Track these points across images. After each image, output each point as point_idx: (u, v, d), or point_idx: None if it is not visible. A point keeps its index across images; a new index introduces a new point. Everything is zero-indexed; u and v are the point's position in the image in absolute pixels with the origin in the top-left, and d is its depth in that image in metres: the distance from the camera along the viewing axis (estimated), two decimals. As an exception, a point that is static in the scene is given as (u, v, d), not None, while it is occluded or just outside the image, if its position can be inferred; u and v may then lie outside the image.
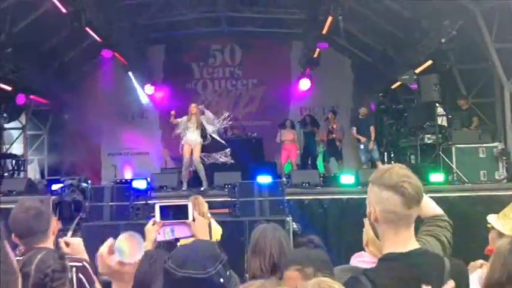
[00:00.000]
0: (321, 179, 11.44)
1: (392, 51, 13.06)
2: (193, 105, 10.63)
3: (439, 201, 2.21)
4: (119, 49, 12.61)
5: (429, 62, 11.24)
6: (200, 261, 1.59)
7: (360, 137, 11.71)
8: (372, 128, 11.60)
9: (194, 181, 11.02)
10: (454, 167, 10.09)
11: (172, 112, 10.54)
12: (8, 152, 13.32)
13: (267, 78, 16.48)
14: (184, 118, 10.41)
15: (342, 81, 15.72)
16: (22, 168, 13.19)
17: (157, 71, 16.27)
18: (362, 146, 11.72)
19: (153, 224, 2.23)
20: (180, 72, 16.59)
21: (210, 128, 10.43)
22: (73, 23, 10.49)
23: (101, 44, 11.98)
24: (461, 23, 9.90)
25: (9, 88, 12.00)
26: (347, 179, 10.41)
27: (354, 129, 11.99)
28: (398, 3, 11.15)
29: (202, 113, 10.53)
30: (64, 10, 10.02)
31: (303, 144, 13.95)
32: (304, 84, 15.06)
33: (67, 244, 2.47)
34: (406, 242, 1.82)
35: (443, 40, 10.15)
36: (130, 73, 14.19)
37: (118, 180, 12.96)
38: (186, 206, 2.26)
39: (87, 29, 10.81)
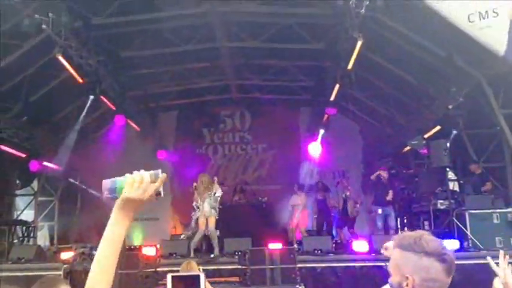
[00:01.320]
0: (334, 245, 11.25)
1: (401, 117, 13.21)
2: (207, 176, 10.84)
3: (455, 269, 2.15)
4: (131, 116, 12.90)
5: (438, 127, 11.32)
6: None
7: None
8: (390, 192, 11.52)
9: (204, 247, 10.91)
10: (468, 233, 9.90)
11: (195, 184, 10.64)
12: (19, 218, 13.31)
13: (277, 142, 16.65)
14: (201, 189, 10.47)
15: (351, 145, 15.80)
16: (32, 235, 13.13)
17: (169, 137, 16.51)
18: (380, 211, 11.58)
19: None
20: (191, 138, 16.84)
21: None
22: (89, 92, 10.86)
23: (114, 111, 12.27)
24: (467, 90, 10.05)
25: (23, 155, 12.19)
26: (360, 245, 10.21)
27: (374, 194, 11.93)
28: (405, 70, 11.40)
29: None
30: (80, 80, 10.36)
31: (315, 210, 13.82)
32: (314, 148, 15.16)
33: None
34: None
35: (450, 106, 10.28)
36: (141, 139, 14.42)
37: (127, 247, 12.81)
38: (198, 277, 2.23)
39: (102, 97, 11.13)
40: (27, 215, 13.85)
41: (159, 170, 1.71)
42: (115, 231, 1.67)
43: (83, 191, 14.88)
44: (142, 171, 1.68)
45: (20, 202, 13.83)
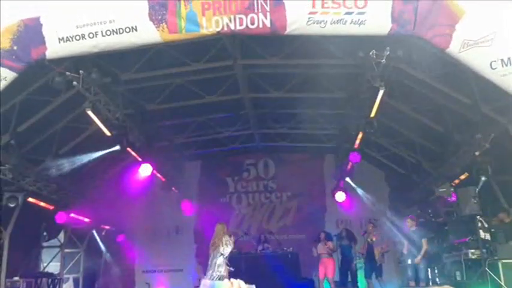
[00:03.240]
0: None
1: (427, 164, 13.04)
2: (220, 226, 10.05)
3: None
4: (156, 166, 13.06)
5: (466, 174, 11.12)
6: None
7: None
8: (424, 241, 11.24)
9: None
10: (502, 283, 9.51)
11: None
12: (45, 270, 13.36)
13: (301, 191, 16.58)
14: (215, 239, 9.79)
15: (377, 193, 15.60)
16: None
17: (193, 186, 16.62)
18: (410, 261, 11.29)
19: None
20: (215, 187, 16.92)
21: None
22: (115, 144, 11.09)
23: (139, 162, 12.45)
24: (494, 136, 9.92)
25: (51, 207, 12.38)
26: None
27: (405, 243, 11.64)
28: (429, 118, 11.36)
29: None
30: (108, 133, 10.60)
31: (340, 259, 13.54)
32: (340, 196, 15.03)
33: None
34: None
35: (477, 153, 10.13)
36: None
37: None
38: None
39: (129, 149, 11.34)
40: (54, 267, 13.91)
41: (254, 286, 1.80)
42: None
43: (108, 243, 14.96)
44: (240, 281, 1.79)
45: (46, 254, 13.92)
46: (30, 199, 11.41)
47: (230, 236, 9.81)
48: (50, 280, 13.03)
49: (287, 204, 16.84)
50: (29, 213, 11.58)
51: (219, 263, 9.18)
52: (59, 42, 8.19)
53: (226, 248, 9.45)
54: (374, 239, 12.84)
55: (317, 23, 8.00)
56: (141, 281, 15.41)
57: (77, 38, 8.13)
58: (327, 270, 12.86)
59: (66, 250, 14.48)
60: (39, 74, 9.14)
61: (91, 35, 8.11)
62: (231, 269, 9.34)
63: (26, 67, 8.42)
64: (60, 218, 12.57)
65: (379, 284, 12.66)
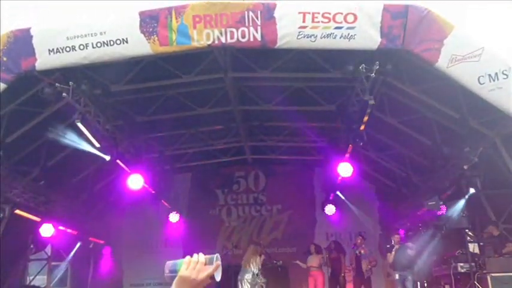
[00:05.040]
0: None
1: (416, 177, 13.11)
2: (250, 248, 12.49)
3: None
4: (146, 178, 12.98)
5: (454, 188, 11.19)
6: None
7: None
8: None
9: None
10: (492, 297, 9.54)
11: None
12: (31, 283, 13.16)
13: (291, 204, 16.56)
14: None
15: (367, 206, 15.65)
16: (44, 301, 12.95)
17: (183, 198, 16.54)
18: (397, 276, 11.34)
19: None
20: (205, 199, 16.85)
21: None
22: (105, 156, 11.01)
23: (129, 173, 12.36)
24: (482, 150, 10.00)
25: (38, 219, 12.23)
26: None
27: (389, 255, 11.72)
28: (418, 131, 11.45)
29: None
30: (97, 145, 10.54)
31: (329, 272, 13.53)
32: (330, 209, 15.05)
33: None
34: None
35: (465, 167, 10.21)
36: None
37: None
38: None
39: (118, 161, 11.27)
40: (40, 280, 13.72)
41: (217, 255, 1.85)
42: None
43: (96, 255, 14.81)
44: (200, 254, 1.84)
45: (33, 267, 13.73)
46: (17, 211, 11.27)
47: (260, 256, 11.97)
48: (36, 294, 12.85)
49: (277, 217, 16.80)
50: (16, 225, 11.42)
51: (247, 277, 11.54)
52: (49, 53, 8.19)
53: (254, 267, 11.70)
54: (363, 251, 12.88)
55: (307, 37, 8.09)
56: (129, 295, 15.25)
57: (67, 49, 8.14)
58: (317, 282, 12.86)
59: (54, 263, 14.30)
60: (29, 85, 9.09)
61: (81, 47, 8.12)
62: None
63: (15, 78, 8.40)
64: (47, 230, 12.40)
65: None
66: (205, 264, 1.79)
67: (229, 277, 12.95)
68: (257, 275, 11.66)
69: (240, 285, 11.66)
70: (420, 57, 8.46)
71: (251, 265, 11.78)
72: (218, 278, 1.79)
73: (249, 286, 11.57)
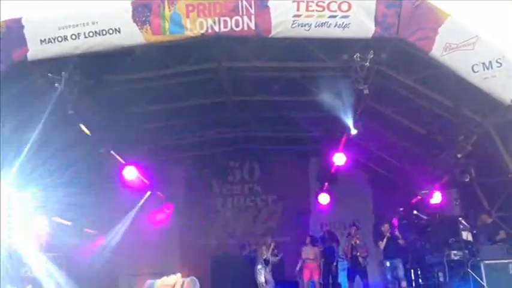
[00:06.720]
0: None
1: (410, 166, 13.16)
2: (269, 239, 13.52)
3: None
4: (141, 169, 12.96)
5: (448, 177, 11.25)
6: None
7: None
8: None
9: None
10: (484, 284, 9.64)
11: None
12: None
13: (286, 193, 16.58)
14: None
15: (361, 195, 15.70)
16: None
17: (178, 189, 16.52)
18: (388, 264, 11.43)
19: None
20: (200, 190, 16.83)
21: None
22: (99, 146, 10.97)
23: (123, 164, 12.33)
24: (476, 138, 10.04)
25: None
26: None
27: (380, 243, 11.84)
28: (412, 121, 11.46)
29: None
30: (88, 132, 10.43)
31: (323, 261, 13.60)
32: (324, 199, 15.08)
33: None
34: None
35: (459, 155, 10.24)
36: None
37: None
38: None
39: (112, 152, 11.24)
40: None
41: (194, 279, 1.83)
42: None
43: (90, 246, 14.80)
44: (178, 275, 1.84)
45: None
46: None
47: (268, 247, 13.19)
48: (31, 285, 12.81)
49: (272, 207, 16.83)
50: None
51: (259, 267, 12.94)
52: (41, 43, 8.11)
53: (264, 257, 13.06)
54: (357, 241, 12.95)
55: (302, 26, 8.05)
56: (124, 285, 15.25)
57: (59, 39, 8.06)
58: (313, 272, 12.93)
59: (48, 254, 14.24)
60: (21, 75, 9.01)
61: (73, 37, 8.05)
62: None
63: (7, 68, 8.32)
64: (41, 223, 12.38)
65: (363, 285, 12.75)
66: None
67: (224, 266, 13.11)
68: (266, 263, 12.99)
69: (257, 275, 13.00)
70: (415, 46, 8.45)
71: (260, 257, 13.15)
72: None
73: (263, 274, 12.88)
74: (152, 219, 15.45)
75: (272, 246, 13.17)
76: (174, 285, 1.80)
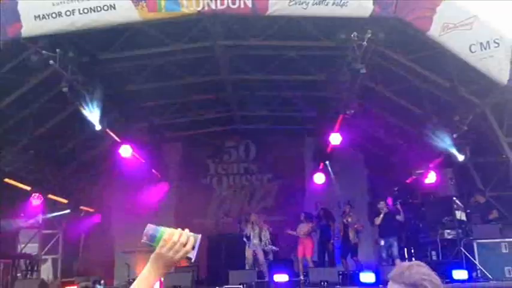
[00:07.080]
0: (340, 276, 11.13)
1: (405, 146, 13.20)
2: (252, 214, 13.14)
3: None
4: (136, 148, 12.94)
5: (443, 157, 11.31)
6: None
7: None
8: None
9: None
10: (477, 263, 9.79)
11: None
12: (23, 251, 13.22)
13: (282, 173, 16.63)
14: (249, 226, 12.62)
15: (356, 175, 15.77)
16: (36, 269, 13.03)
17: (174, 168, 16.54)
18: (382, 242, 11.54)
19: None
20: (196, 169, 16.86)
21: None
22: (94, 124, 10.90)
23: (119, 143, 12.30)
24: (471, 119, 10.07)
25: (28, 188, 12.21)
26: (367, 277, 10.10)
27: (377, 219, 11.93)
28: (408, 100, 11.46)
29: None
30: (86, 113, 10.41)
31: (318, 239, 13.73)
32: (319, 178, 15.14)
33: None
34: None
35: (455, 135, 10.28)
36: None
37: (131, 280, 12.67)
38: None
39: (107, 130, 11.19)
40: (32, 248, 13.77)
41: (200, 237, 1.78)
42: (145, 283, 1.76)
43: (86, 222, 14.88)
44: (186, 231, 1.77)
45: (25, 235, 13.75)
46: (7, 180, 11.22)
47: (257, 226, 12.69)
48: (27, 261, 12.92)
49: (268, 186, 16.90)
50: (6, 194, 11.39)
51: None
52: (35, 19, 8.00)
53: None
54: (350, 219, 13.05)
55: (299, 4, 7.97)
56: (121, 262, 15.34)
57: (53, 15, 7.95)
58: (306, 249, 13.06)
59: (45, 231, 14.33)
60: (15, 52, 8.91)
61: (68, 13, 7.94)
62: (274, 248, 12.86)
63: (1, 45, 8.22)
64: (38, 198, 12.40)
65: (355, 264, 12.90)
66: (185, 245, 1.73)
67: (220, 245, 13.20)
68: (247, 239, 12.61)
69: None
70: (412, 26, 8.40)
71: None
72: (193, 258, 1.78)
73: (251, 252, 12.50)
74: (148, 197, 15.48)
75: (267, 233, 12.80)
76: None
